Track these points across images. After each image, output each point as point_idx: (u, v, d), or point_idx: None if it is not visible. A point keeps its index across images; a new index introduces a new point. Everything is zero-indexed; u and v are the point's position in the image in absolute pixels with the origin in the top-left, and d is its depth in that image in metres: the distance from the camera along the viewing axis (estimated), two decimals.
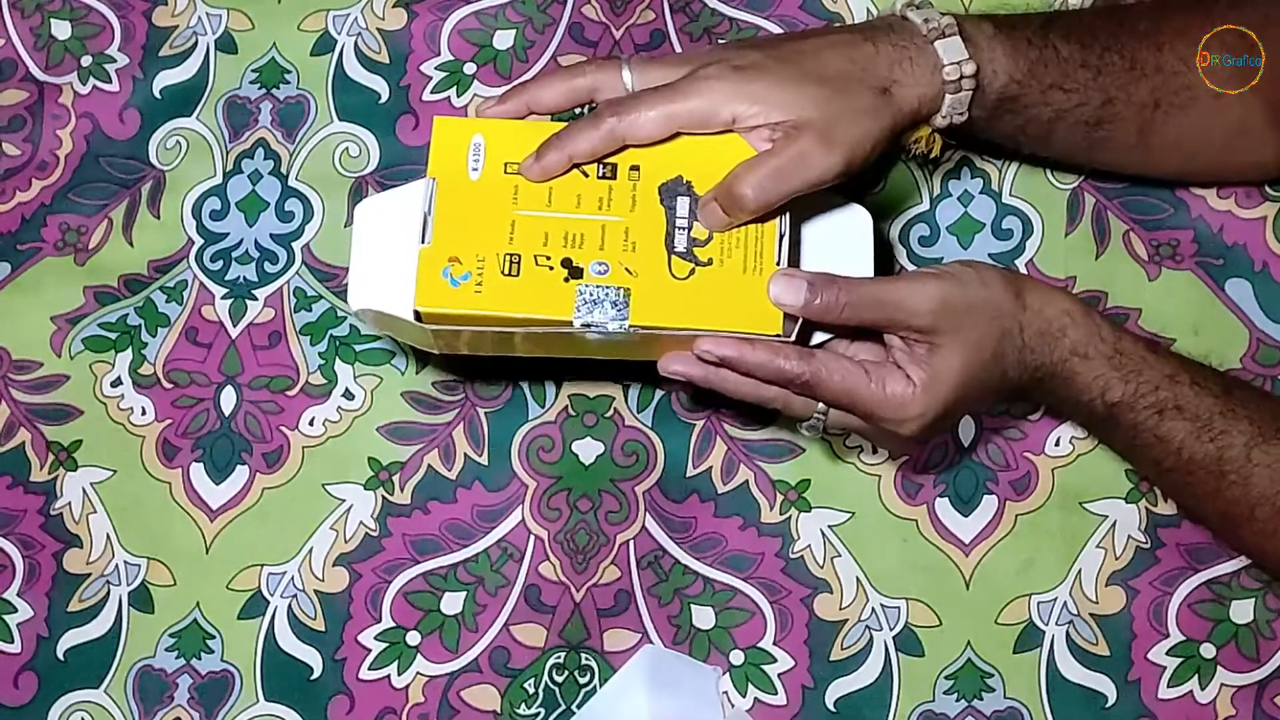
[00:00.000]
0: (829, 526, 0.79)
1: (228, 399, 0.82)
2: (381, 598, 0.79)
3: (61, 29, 0.89)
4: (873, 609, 0.78)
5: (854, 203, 0.70)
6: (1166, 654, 0.76)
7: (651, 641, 0.78)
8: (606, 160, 0.66)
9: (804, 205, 0.68)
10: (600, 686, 0.78)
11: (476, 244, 0.65)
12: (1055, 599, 0.77)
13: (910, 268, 0.81)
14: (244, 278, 0.84)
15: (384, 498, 0.81)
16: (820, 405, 0.67)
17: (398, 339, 0.79)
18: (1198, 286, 0.80)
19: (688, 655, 0.78)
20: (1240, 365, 0.78)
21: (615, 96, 0.67)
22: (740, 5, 0.86)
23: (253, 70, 0.87)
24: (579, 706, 0.77)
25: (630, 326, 0.64)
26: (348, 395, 0.82)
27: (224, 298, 0.84)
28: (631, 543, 0.79)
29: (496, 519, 0.80)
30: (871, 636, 0.78)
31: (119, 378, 0.83)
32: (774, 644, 0.78)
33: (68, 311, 0.84)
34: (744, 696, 0.77)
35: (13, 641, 0.81)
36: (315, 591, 0.80)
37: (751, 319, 0.64)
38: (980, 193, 0.82)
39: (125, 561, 0.81)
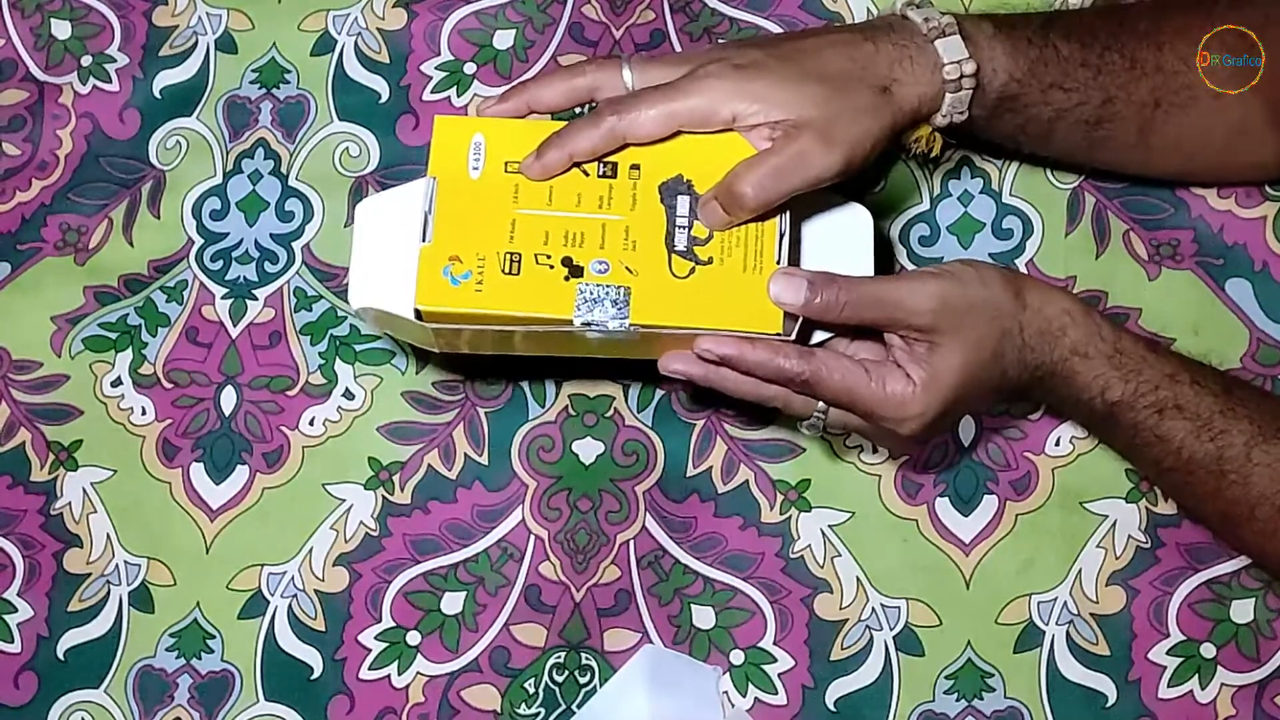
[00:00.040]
0: (829, 526, 0.79)
1: (228, 399, 0.82)
2: (382, 598, 0.79)
3: (61, 29, 0.89)
4: (873, 609, 0.78)
5: (854, 202, 0.70)
6: (1167, 654, 0.76)
7: (651, 641, 0.78)
8: (607, 159, 0.66)
9: (804, 204, 0.68)
10: (600, 686, 0.78)
11: (477, 243, 0.65)
12: (1055, 599, 0.77)
13: (910, 267, 0.81)
14: (244, 278, 0.84)
15: (384, 498, 0.81)
16: (820, 404, 0.67)
17: (398, 338, 0.80)
18: (1198, 286, 0.80)
19: (688, 655, 0.78)
20: (1240, 365, 0.78)
21: (615, 95, 0.67)
22: (740, 5, 0.86)
23: (253, 70, 0.87)
24: (579, 706, 0.77)
25: (631, 325, 0.64)
26: (348, 395, 0.82)
27: (224, 298, 0.84)
28: (632, 542, 0.79)
29: (497, 519, 0.80)
30: (872, 636, 0.78)
31: (119, 378, 0.83)
32: (774, 644, 0.78)
33: (68, 311, 0.84)
34: (744, 696, 0.77)
35: (13, 641, 0.80)
36: (315, 591, 0.80)
37: (752, 318, 0.64)
38: (980, 192, 0.82)
39: (125, 561, 0.81)
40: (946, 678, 0.77)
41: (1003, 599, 0.77)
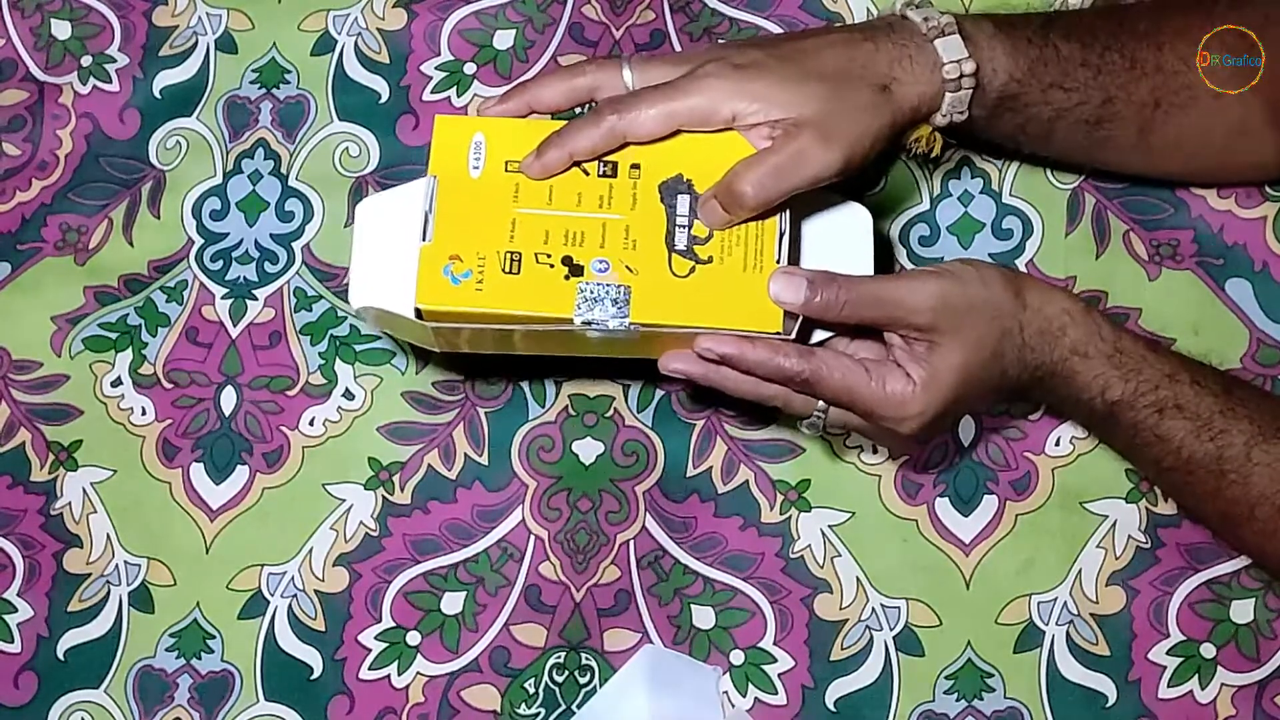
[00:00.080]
0: (829, 526, 0.79)
1: (228, 399, 0.82)
2: (381, 598, 0.79)
3: (61, 29, 0.89)
4: (873, 609, 0.78)
5: (854, 201, 0.70)
6: (1167, 654, 0.76)
7: (651, 641, 0.78)
8: (607, 158, 0.66)
9: (804, 204, 0.68)
10: (600, 686, 0.78)
11: (477, 242, 0.65)
12: (1055, 599, 0.77)
13: (910, 267, 0.81)
14: (244, 278, 0.84)
15: (384, 498, 0.81)
16: (820, 403, 0.67)
17: (398, 337, 0.80)
18: (1198, 286, 0.80)
19: (688, 655, 0.78)
20: (1240, 365, 0.78)
21: (615, 95, 0.67)
22: (740, 5, 0.86)
23: (253, 70, 0.87)
24: (579, 706, 0.77)
25: (631, 324, 0.64)
26: (348, 395, 0.82)
27: (224, 298, 0.84)
28: (631, 543, 0.79)
29: (496, 519, 0.80)
30: (871, 636, 0.78)
31: (119, 378, 0.83)
32: (774, 644, 0.78)
33: (68, 311, 0.84)
34: (744, 696, 0.77)
35: (13, 641, 0.80)
36: (315, 591, 0.80)
37: (752, 317, 0.64)
38: (980, 193, 0.82)
39: (125, 561, 0.81)
40: (946, 678, 0.77)
41: (1003, 599, 0.77)
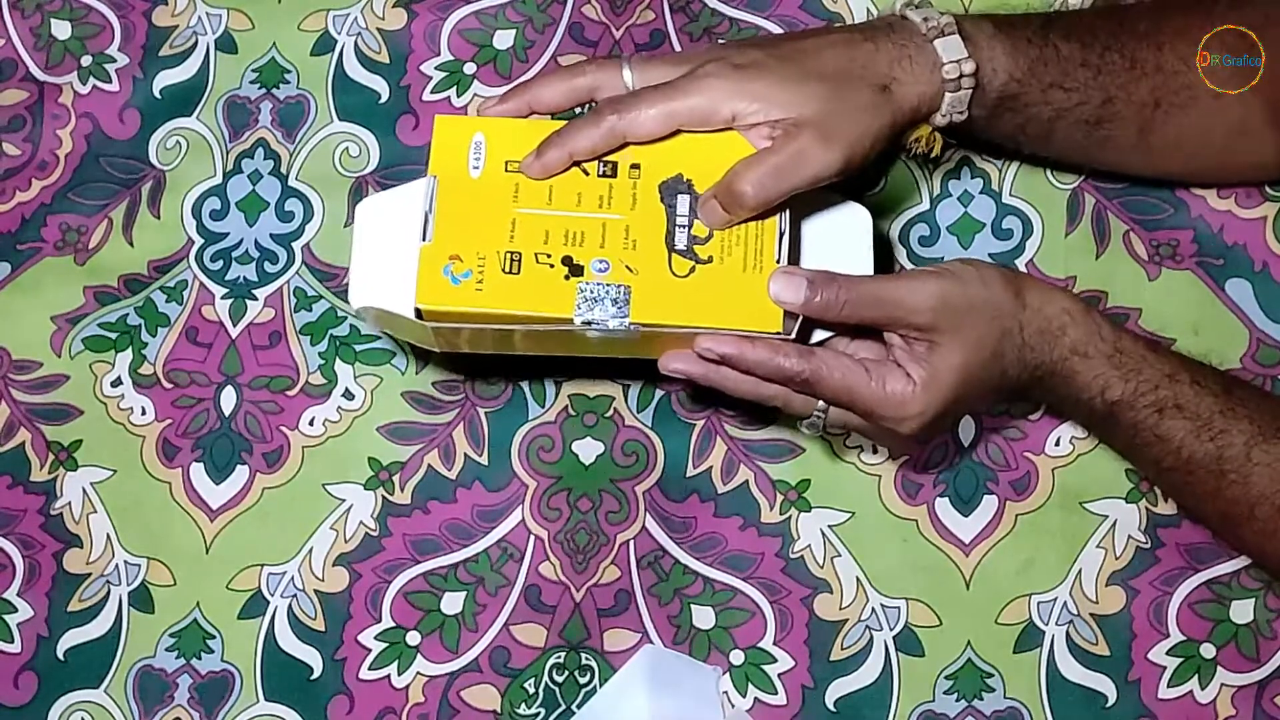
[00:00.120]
0: (829, 526, 0.79)
1: (228, 399, 0.82)
2: (381, 598, 0.79)
3: (61, 29, 0.89)
4: (873, 609, 0.78)
5: (853, 201, 0.70)
6: (1167, 654, 0.76)
7: (651, 641, 0.78)
8: (607, 158, 0.66)
9: (804, 204, 0.68)
10: (600, 686, 0.78)
11: (477, 242, 0.65)
12: (1055, 599, 0.77)
13: (910, 267, 0.81)
14: (244, 278, 0.84)
15: (384, 498, 0.81)
16: (820, 403, 0.67)
17: (398, 337, 0.80)
18: (1198, 286, 0.80)
19: (688, 655, 0.78)
20: (1240, 365, 0.78)
21: (615, 95, 0.67)
22: (740, 5, 0.86)
23: (253, 70, 0.87)
24: (579, 706, 0.77)
25: (631, 324, 0.64)
26: (348, 395, 0.82)
27: (224, 298, 0.84)
28: (631, 543, 0.79)
29: (496, 519, 0.80)
30: (871, 636, 0.78)
31: (119, 378, 0.83)
32: (774, 644, 0.78)
33: (68, 311, 0.84)
34: (744, 696, 0.77)
35: (13, 641, 0.80)
36: (315, 591, 0.80)
37: (752, 316, 0.64)
38: (980, 193, 0.82)
39: (125, 561, 0.81)
40: (946, 678, 0.77)
41: (1003, 599, 0.77)
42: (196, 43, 0.88)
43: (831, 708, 0.77)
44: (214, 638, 0.80)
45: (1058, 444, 0.79)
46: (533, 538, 0.79)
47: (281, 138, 0.86)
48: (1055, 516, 0.78)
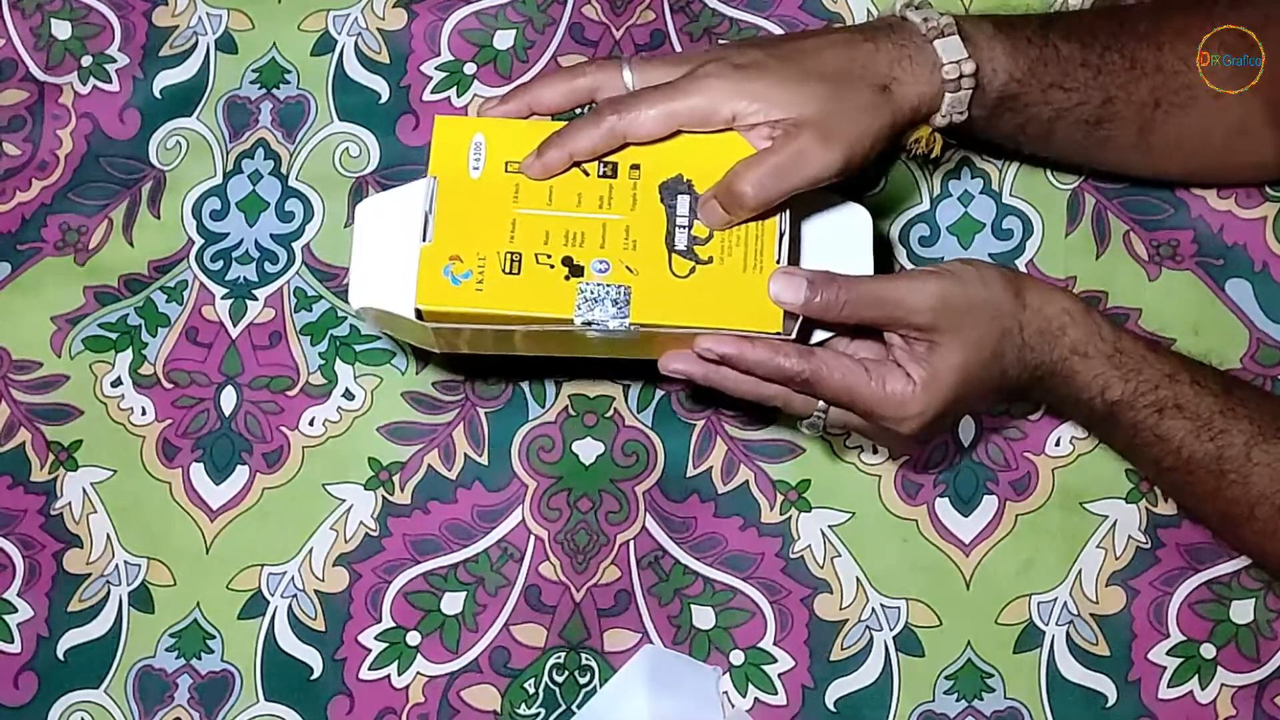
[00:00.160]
0: (829, 526, 0.79)
1: (228, 399, 0.82)
2: (381, 598, 0.79)
3: (61, 29, 0.89)
4: (873, 609, 0.78)
5: (853, 202, 0.70)
6: (1167, 654, 0.76)
7: (651, 641, 0.78)
8: (607, 159, 0.66)
9: (804, 204, 0.68)
10: (600, 686, 0.78)
11: (477, 242, 0.65)
12: (1055, 599, 0.77)
13: (910, 267, 0.81)
14: (244, 278, 0.84)
15: (384, 498, 0.81)
16: (820, 403, 0.67)
17: (398, 338, 0.80)
18: (1198, 286, 0.80)
19: (688, 655, 0.78)
20: (1240, 365, 0.78)
21: (616, 95, 0.67)
22: (740, 5, 0.86)
23: (253, 70, 0.87)
24: (579, 706, 0.77)
25: (631, 324, 0.64)
26: (348, 395, 0.82)
27: (224, 298, 0.84)
28: (631, 543, 0.79)
29: (496, 519, 0.80)
30: (871, 636, 0.78)
31: (119, 378, 0.83)
32: (774, 644, 0.78)
33: (68, 311, 0.84)
34: (744, 696, 0.77)
35: (13, 641, 0.80)
36: (315, 591, 0.80)
37: (752, 317, 0.64)
38: (980, 193, 0.82)
39: (125, 561, 0.81)
40: (946, 678, 0.77)
41: (1003, 599, 0.77)
42: (197, 43, 0.88)
43: (831, 708, 0.77)
44: (214, 638, 0.80)
45: (1058, 444, 0.79)
46: (533, 538, 0.79)
47: (282, 138, 0.86)
48: (1055, 516, 0.78)
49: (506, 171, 0.66)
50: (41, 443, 0.83)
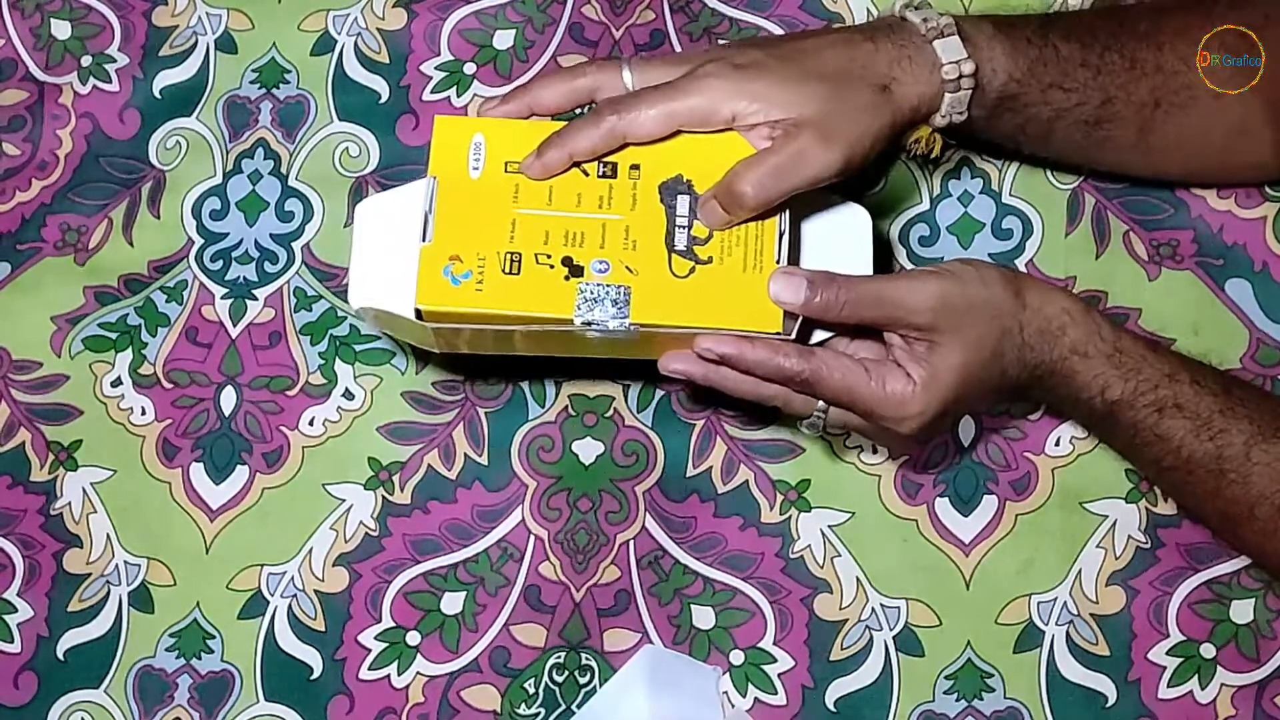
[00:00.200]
0: (829, 526, 0.79)
1: (228, 399, 0.82)
2: (381, 598, 0.79)
3: (61, 29, 0.89)
4: (873, 609, 0.78)
5: (853, 202, 0.70)
6: (1166, 654, 0.76)
7: (651, 641, 0.78)
8: (607, 159, 0.66)
9: (804, 204, 0.68)
10: (600, 686, 0.78)
11: (477, 242, 0.65)
12: (1055, 599, 0.77)
13: (910, 267, 0.81)
14: (244, 278, 0.84)
15: (384, 498, 0.81)
16: (820, 403, 0.67)
17: (398, 338, 0.80)
18: (1198, 286, 0.80)
19: (688, 655, 0.78)
20: (1240, 365, 0.78)
21: (616, 95, 0.67)
22: (740, 5, 0.86)
23: (253, 70, 0.87)
24: (579, 706, 0.77)
25: (631, 324, 0.64)
26: (348, 395, 0.82)
27: (224, 298, 0.84)
28: (631, 543, 0.79)
29: (496, 519, 0.80)
30: (871, 636, 0.78)
31: (119, 378, 0.83)
32: (774, 644, 0.78)
33: (68, 311, 0.84)
34: (744, 696, 0.77)
35: (13, 641, 0.80)
36: (315, 591, 0.80)
37: (752, 317, 0.64)
38: (980, 193, 0.82)
39: (125, 561, 0.81)
40: (946, 678, 0.77)
41: (1003, 599, 0.77)
42: (196, 43, 0.88)
43: (831, 708, 0.77)
44: (214, 638, 0.80)
45: (1058, 444, 0.79)
46: (533, 538, 0.79)
47: (281, 138, 0.86)
48: (1055, 516, 0.78)
49: (506, 171, 0.66)
50: (41, 443, 0.83)
